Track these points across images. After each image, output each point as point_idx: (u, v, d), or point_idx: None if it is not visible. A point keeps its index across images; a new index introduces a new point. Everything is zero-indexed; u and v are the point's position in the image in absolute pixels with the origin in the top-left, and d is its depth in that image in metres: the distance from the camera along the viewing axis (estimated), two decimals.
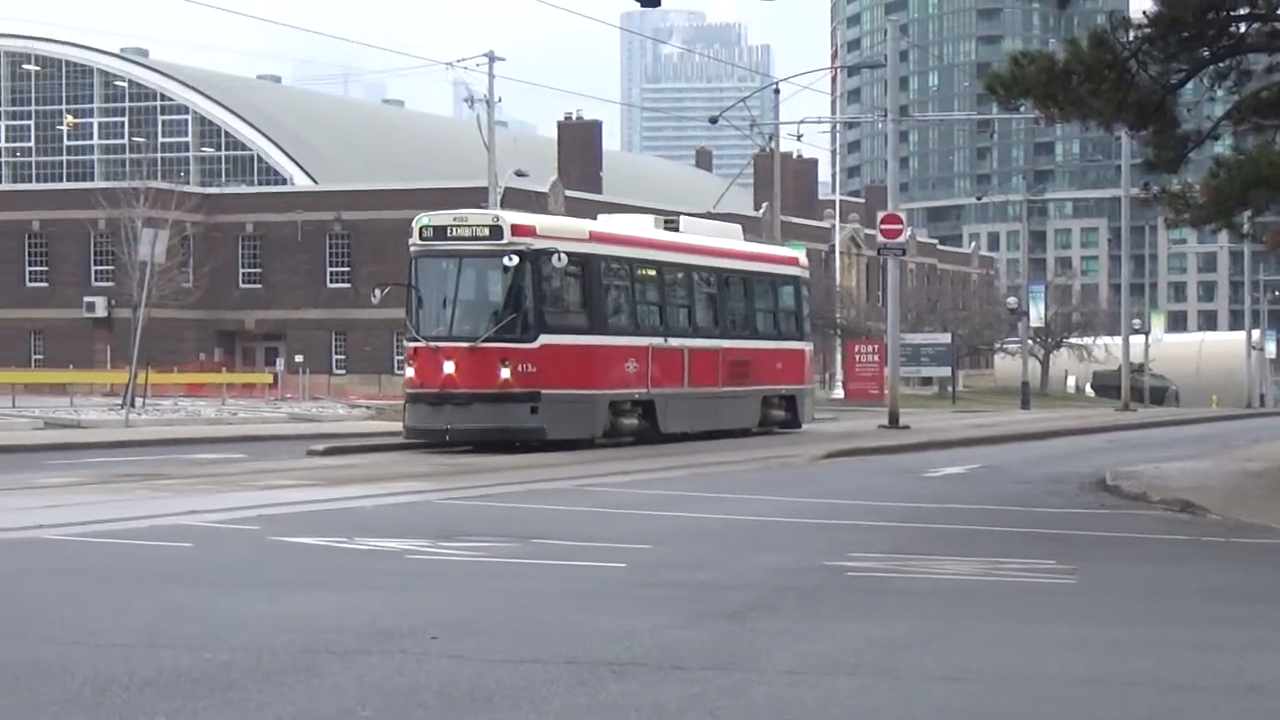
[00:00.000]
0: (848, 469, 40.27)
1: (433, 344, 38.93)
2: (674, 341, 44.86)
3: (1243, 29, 34.69)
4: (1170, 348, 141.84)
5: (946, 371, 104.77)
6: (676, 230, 49.31)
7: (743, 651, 13.86)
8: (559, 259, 38.74)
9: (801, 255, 58.95)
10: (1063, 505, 30.05)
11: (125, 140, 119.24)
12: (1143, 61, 34.62)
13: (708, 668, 13.03)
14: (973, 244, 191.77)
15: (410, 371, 39.90)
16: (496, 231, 39.32)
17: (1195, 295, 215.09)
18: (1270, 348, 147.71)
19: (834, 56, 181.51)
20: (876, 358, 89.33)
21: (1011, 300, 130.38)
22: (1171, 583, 19.59)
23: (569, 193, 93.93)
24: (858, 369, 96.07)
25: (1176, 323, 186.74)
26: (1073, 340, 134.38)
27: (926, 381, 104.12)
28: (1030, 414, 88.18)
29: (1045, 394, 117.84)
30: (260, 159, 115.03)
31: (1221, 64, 36.10)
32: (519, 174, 78.95)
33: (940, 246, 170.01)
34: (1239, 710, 11.84)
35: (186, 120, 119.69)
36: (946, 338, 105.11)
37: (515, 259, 38.21)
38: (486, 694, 11.90)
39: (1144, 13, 35.87)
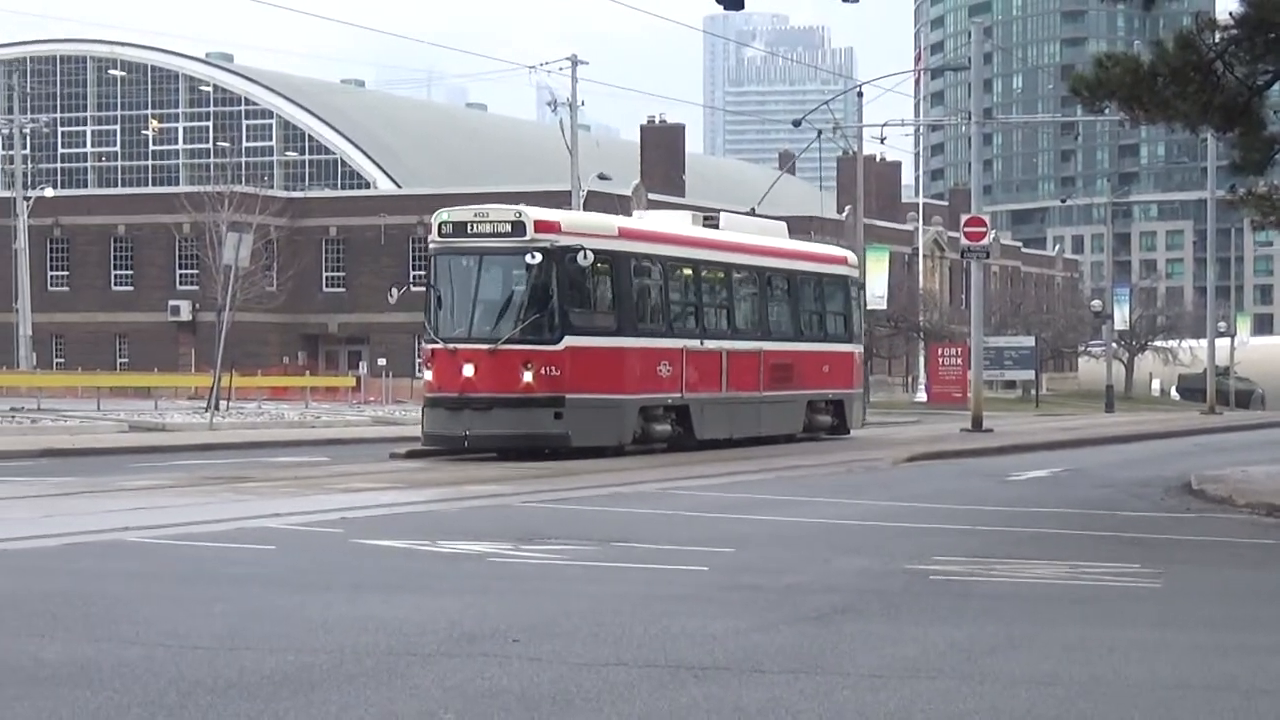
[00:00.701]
0: (931, 472, 40.12)
1: (451, 346, 37.72)
2: (711, 343, 43.34)
3: None
4: (1256, 351, 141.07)
5: (1030, 375, 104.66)
6: (716, 227, 48.07)
7: (825, 655, 13.82)
8: (585, 256, 37.47)
9: (851, 255, 57.01)
10: (1147, 509, 29.90)
11: (210, 145, 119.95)
12: (1229, 63, 34.44)
13: (789, 671, 13.01)
14: (1057, 247, 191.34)
15: (428, 375, 38.83)
16: (519, 228, 38.13)
17: None
18: None
19: (918, 59, 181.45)
20: (960, 361, 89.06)
21: (1096, 303, 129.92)
22: (1258, 587, 19.49)
23: (652, 196, 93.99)
24: (941, 372, 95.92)
25: (1263, 325, 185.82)
26: (1157, 343, 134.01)
27: (1010, 385, 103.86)
28: (1114, 417, 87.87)
29: (1129, 397, 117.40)
30: (343, 163, 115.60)
31: None
32: (602, 177, 79.06)
33: (1024, 249, 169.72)
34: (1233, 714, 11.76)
35: (271, 125, 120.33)
36: (1030, 341, 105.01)
37: (539, 256, 36.95)
38: (567, 697, 11.89)
39: (1230, 14, 35.68)
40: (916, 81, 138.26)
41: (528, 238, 37.20)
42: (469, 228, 38.64)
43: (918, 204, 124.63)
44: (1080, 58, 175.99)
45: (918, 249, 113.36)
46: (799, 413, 47.94)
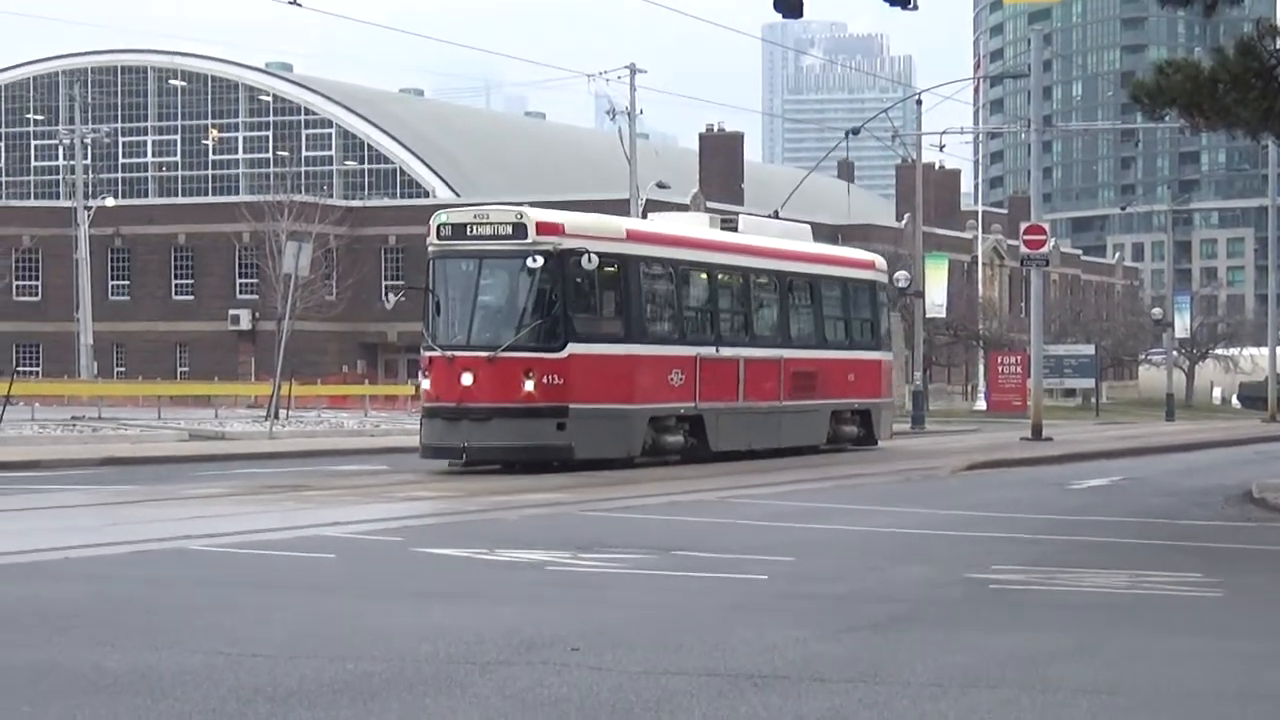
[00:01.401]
0: (990, 481, 40.06)
1: (449, 354, 36.53)
2: (727, 351, 41.87)
3: None
4: None
5: (1090, 383, 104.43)
6: (735, 229, 47.14)
7: (884, 664, 13.78)
8: (589, 260, 36.04)
9: (879, 259, 54.92)
10: (1208, 518, 29.83)
11: (270, 154, 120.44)
12: None
13: (849, 680, 13.00)
14: (1117, 254, 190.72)
15: (425, 384, 37.74)
16: (520, 230, 36.73)
17: None
18: None
19: (976, 66, 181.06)
20: (1019, 369, 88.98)
21: (1156, 311, 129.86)
22: None
23: (710, 204, 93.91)
24: (1000, 380, 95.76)
25: None
26: (1218, 351, 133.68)
27: (1070, 393, 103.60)
28: (1175, 426, 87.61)
29: (1190, 405, 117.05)
30: (403, 172, 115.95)
31: None
32: (660, 185, 79.02)
33: (1084, 257, 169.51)
34: None
35: (330, 134, 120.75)
36: (1090, 349, 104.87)
37: (540, 259, 35.43)
38: (627, 706, 11.89)
39: None
40: (976, 89, 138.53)
41: (529, 240, 36.08)
42: (468, 229, 37.41)
43: (977, 212, 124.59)
44: (1140, 64, 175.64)
45: (977, 257, 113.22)
46: (823, 423, 46.82)
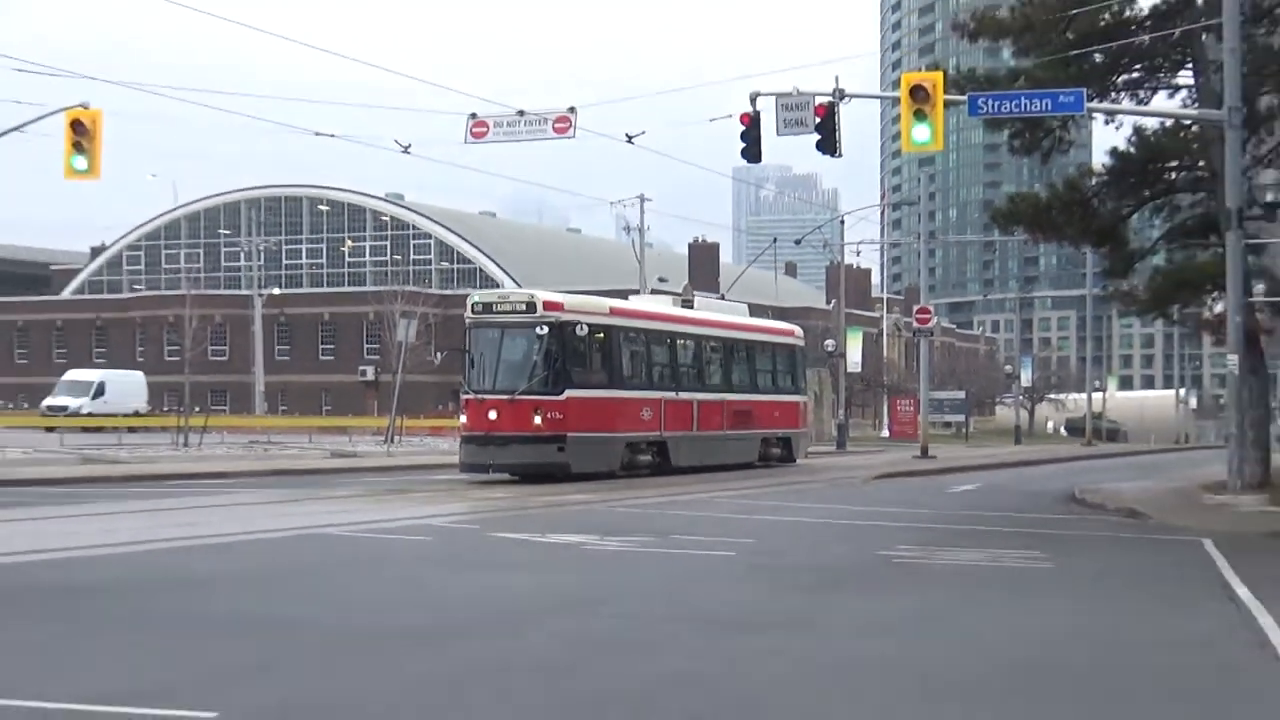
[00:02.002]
0: (893, 486, 40.01)
1: (480, 396, 35.62)
2: (684, 395, 41.06)
3: (1174, 176, 34.43)
4: (1120, 401, 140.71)
5: (961, 417, 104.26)
6: (692, 307, 45.97)
7: (815, 614, 13.96)
8: (581, 329, 35.73)
9: (798, 329, 53.46)
10: (1044, 512, 29.75)
11: (387, 257, 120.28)
12: (1102, 199, 34.46)
13: (788, 625, 13.18)
14: (980, 329, 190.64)
15: (464, 418, 36.66)
16: (531, 307, 36.20)
17: (1139, 364, 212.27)
18: (1192, 401, 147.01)
19: (882, 196, 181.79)
20: (912, 408, 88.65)
21: (1008, 368, 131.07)
22: (1121, 568, 19.46)
23: (696, 294, 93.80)
24: (899, 416, 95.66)
25: (1125, 384, 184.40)
26: (1051, 396, 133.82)
27: (947, 425, 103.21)
28: (1020, 448, 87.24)
29: (1031, 434, 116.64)
30: (481, 270, 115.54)
31: (1158, 201, 35.86)
32: (661, 280, 78.99)
33: (957, 330, 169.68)
34: (1163, 651, 11.78)
35: (430, 243, 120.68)
36: (961, 394, 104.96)
37: (546, 328, 35.25)
38: (638, 642, 12.02)
39: (1102, 164, 35.69)
40: (881, 212, 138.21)
41: (538, 314, 35.63)
42: (494, 306, 37.29)
43: (883, 298, 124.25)
44: (997, 195, 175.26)
45: (882, 330, 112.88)
46: (756, 446, 45.82)
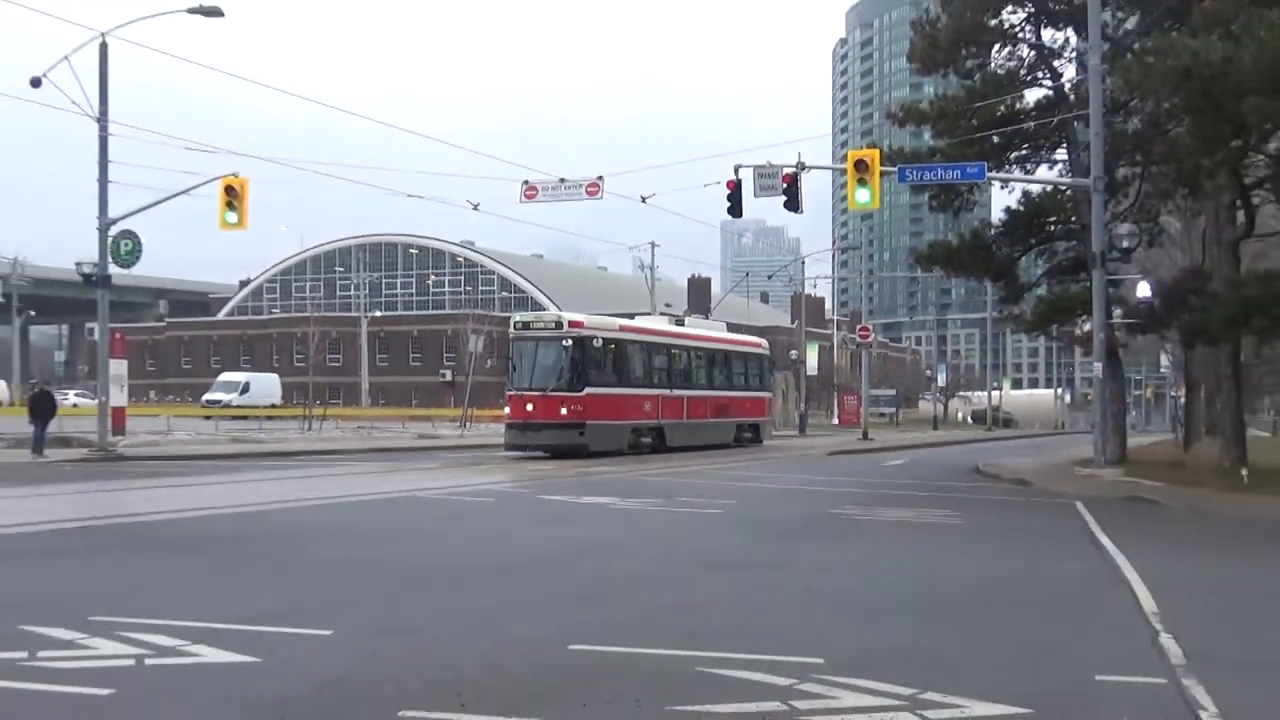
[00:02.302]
0: (842, 460, 39.94)
1: (520, 392, 35.26)
2: (677, 391, 40.58)
3: (1053, 228, 34.37)
4: (1012, 397, 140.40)
5: (893, 409, 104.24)
6: (682, 325, 45.22)
7: (786, 557, 13.92)
8: (597, 341, 35.72)
9: (764, 341, 52.60)
10: (955, 480, 29.71)
11: (460, 288, 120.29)
12: (999, 245, 34.43)
13: (766, 565, 13.16)
14: (907, 342, 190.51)
15: (508, 410, 36.08)
16: (559, 324, 36.17)
17: (1027, 369, 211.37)
18: (1066, 397, 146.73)
19: (833, 243, 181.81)
20: (856, 402, 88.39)
21: (928, 372, 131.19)
22: (1014, 523, 19.48)
23: (688, 316, 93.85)
24: (846, 407, 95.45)
25: (1017, 384, 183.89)
26: (960, 393, 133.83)
27: (882, 415, 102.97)
28: (938, 433, 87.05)
29: (946, 422, 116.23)
30: (531, 298, 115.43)
31: (1041, 246, 35.80)
32: (667, 305, 78.68)
33: (890, 343, 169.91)
34: (1046, 583, 11.85)
35: (494, 277, 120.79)
36: (893, 391, 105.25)
37: (570, 341, 35.09)
38: (647, 579, 12.02)
39: (999, 219, 35.69)
40: (833, 255, 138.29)
41: (564, 330, 35.52)
42: (531, 324, 36.89)
43: (834, 319, 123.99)
44: (920, 242, 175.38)
45: (833, 343, 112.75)
46: (731, 431, 45.10)
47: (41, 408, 33.60)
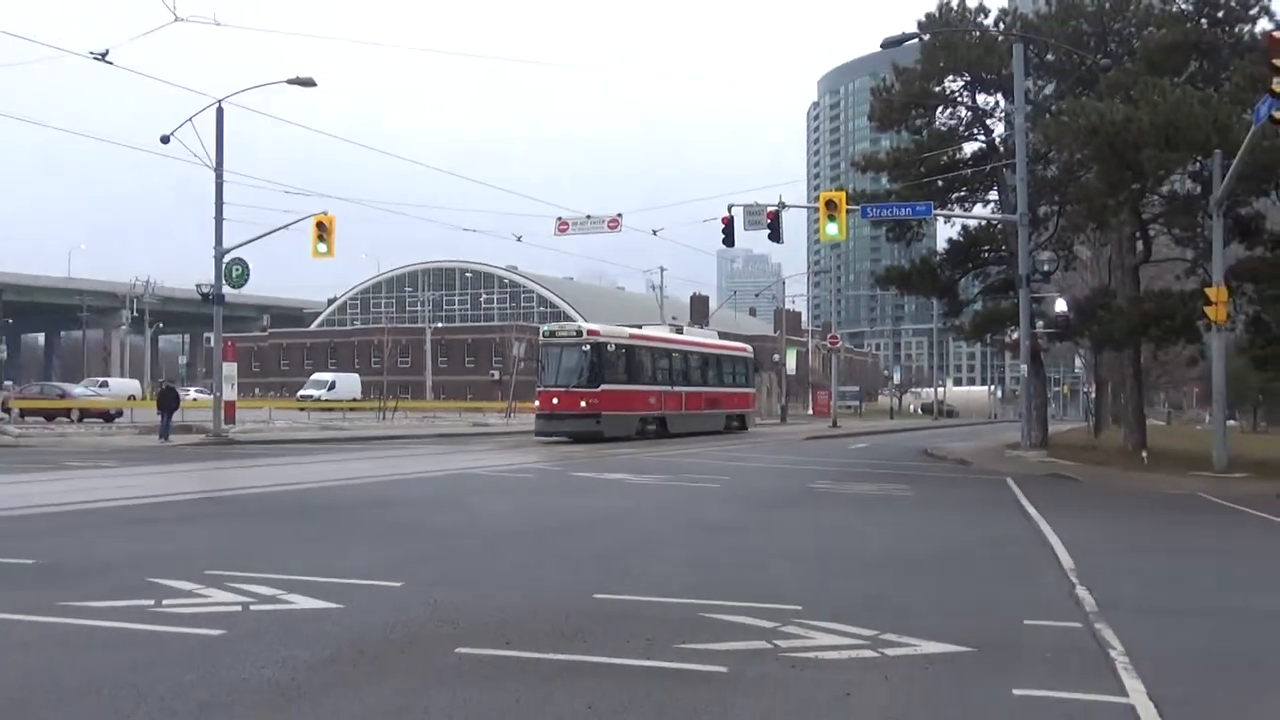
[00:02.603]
0: (816, 444, 39.65)
1: (549, 389, 34.48)
2: (677, 389, 39.73)
3: (987, 255, 34.22)
4: (954, 393, 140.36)
5: (857, 402, 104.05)
6: (681, 333, 44.47)
7: (773, 522, 13.86)
8: (610, 346, 35.00)
9: (749, 347, 51.04)
10: (908, 460, 29.55)
11: (507, 305, 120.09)
12: (943, 269, 34.22)
13: (757, 529, 13.08)
14: (868, 347, 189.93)
15: (538, 403, 35.29)
16: (579, 333, 35.42)
17: (965, 370, 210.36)
18: (998, 393, 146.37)
19: (808, 267, 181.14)
20: (826, 397, 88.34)
21: (885, 372, 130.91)
22: (958, 494, 19.29)
23: (686, 326, 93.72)
24: (818, 401, 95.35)
25: (958, 382, 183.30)
26: (912, 389, 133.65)
27: (848, 407, 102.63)
28: (893, 422, 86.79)
29: (900, 413, 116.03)
30: (565, 313, 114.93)
31: (976, 270, 35.63)
32: (673, 319, 78.31)
33: (854, 349, 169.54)
34: (985, 543, 11.74)
35: (534, 295, 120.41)
36: (856, 388, 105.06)
37: (588, 346, 34.46)
38: (658, 541, 11.94)
39: (943, 248, 35.48)
40: (808, 276, 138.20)
41: (583, 338, 34.96)
42: (556, 334, 36.09)
43: (808, 329, 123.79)
44: (879, 266, 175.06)
45: (808, 348, 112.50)
46: (722, 421, 44.21)
47: (168, 401, 33.68)
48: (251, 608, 7.54)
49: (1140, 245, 29.91)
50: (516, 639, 6.79)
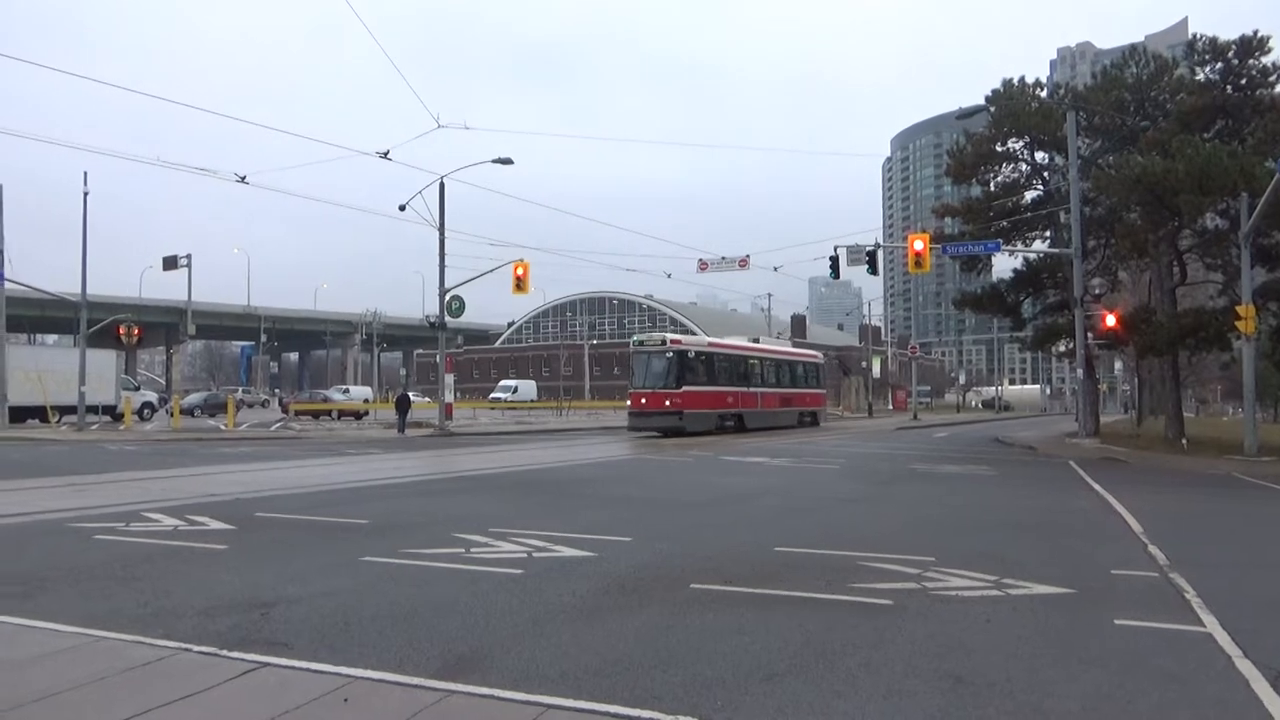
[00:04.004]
0: (905, 435, 38.97)
1: (639, 390, 31.86)
2: (754, 389, 36.53)
3: (1045, 281, 33.48)
4: (1012, 391, 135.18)
5: (928, 400, 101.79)
6: (758, 342, 40.46)
7: (888, 495, 13.90)
8: (691, 354, 32.48)
9: (820, 354, 47.27)
10: (984, 447, 28.98)
11: (647, 325, 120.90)
12: (1008, 293, 33.61)
13: (875, 500, 13.15)
14: (938, 354, 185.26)
15: (629, 402, 32.55)
16: (664, 342, 32.58)
17: (1019, 370, 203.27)
18: (1048, 391, 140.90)
19: (885, 290, 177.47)
20: (905, 395, 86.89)
21: (953, 374, 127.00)
22: (1032, 474, 19.00)
23: (765, 337, 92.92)
24: (897, 399, 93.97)
25: (1013, 381, 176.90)
26: (976, 388, 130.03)
27: (922, 404, 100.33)
28: (962, 415, 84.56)
29: (965, 408, 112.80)
30: (690, 329, 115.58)
31: (1036, 294, 34.87)
32: (778, 334, 78.73)
33: (927, 356, 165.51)
34: (1063, 513, 11.65)
35: (667, 317, 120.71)
36: (928, 387, 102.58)
37: (673, 353, 31.89)
38: (807, 508, 12.12)
39: (1009, 276, 34.80)
40: (885, 297, 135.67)
41: (667, 347, 32.27)
42: (644, 343, 32.92)
43: (887, 340, 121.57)
44: (944, 289, 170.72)
45: (888, 356, 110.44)
46: (794, 417, 40.38)
47: (402, 404, 35.36)
48: (534, 555, 8.25)
49: (1177, 271, 28.98)
50: (731, 578, 7.36)
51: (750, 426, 35.75)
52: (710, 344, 35.19)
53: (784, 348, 43.17)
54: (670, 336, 33.60)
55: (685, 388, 31.85)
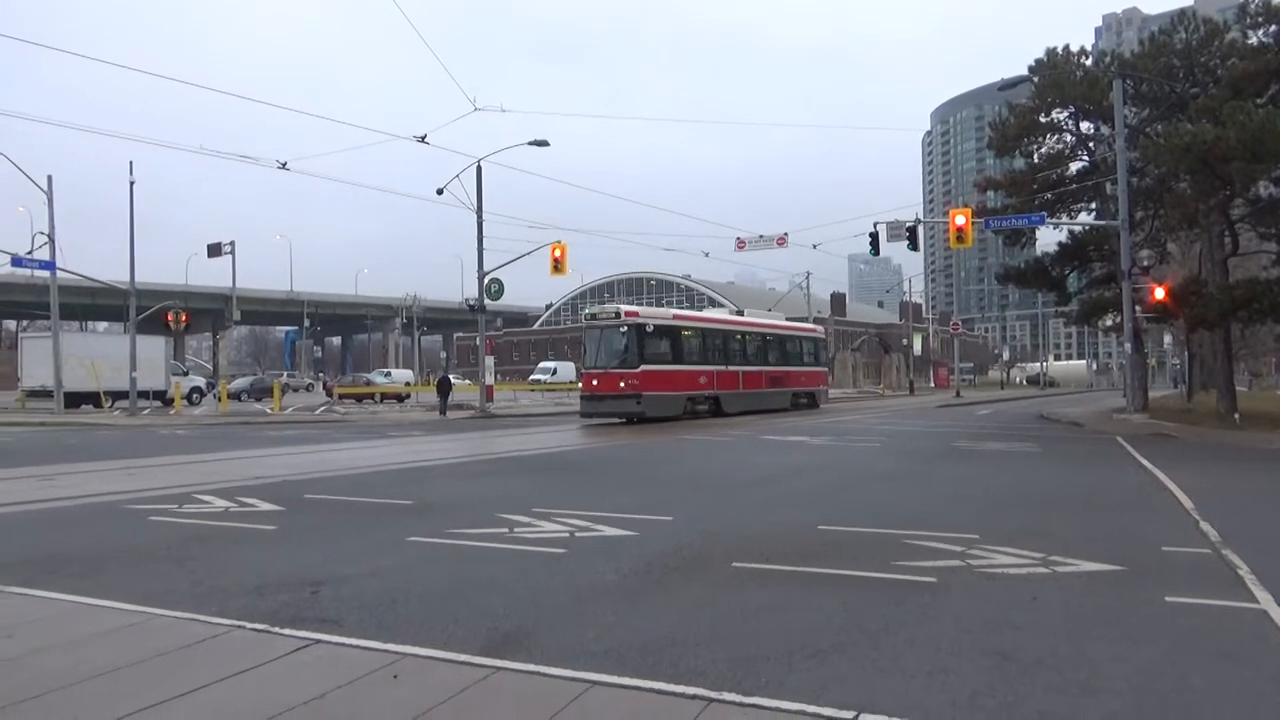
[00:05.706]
0: (947, 411, 38.49)
1: (591, 371, 28.20)
2: (732, 367, 31.86)
3: (1091, 253, 32.84)
4: (1056, 366, 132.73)
5: (972, 377, 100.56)
6: (742, 315, 36.66)
7: (930, 472, 13.76)
8: (650, 327, 28.14)
9: (820, 328, 43.09)
10: (1028, 424, 28.59)
11: (685, 305, 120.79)
12: (1053, 267, 33.02)
13: (920, 477, 13.06)
14: (980, 330, 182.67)
15: (581, 384, 29.31)
16: (618, 315, 28.18)
17: (1064, 348, 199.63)
18: (1094, 366, 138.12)
19: (925, 266, 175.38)
20: (946, 372, 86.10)
21: (996, 351, 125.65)
22: (1074, 449, 18.70)
23: (751, 310, 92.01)
24: (939, 376, 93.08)
25: (1058, 357, 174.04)
26: (1020, 364, 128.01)
27: (965, 381, 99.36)
28: (1006, 392, 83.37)
29: (1009, 385, 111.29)
30: (716, 301, 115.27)
31: (1082, 268, 34.23)
32: (818, 314, 78.09)
33: (969, 332, 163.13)
34: (1112, 488, 11.49)
35: (704, 296, 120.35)
36: (970, 364, 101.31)
37: (628, 327, 27.80)
38: (849, 486, 12.03)
39: (1054, 249, 34.16)
40: (926, 274, 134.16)
41: (623, 320, 28.14)
42: (597, 316, 28.90)
43: (928, 317, 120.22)
44: (986, 264, 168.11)
45: (929, 333, 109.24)
46: (787, 399, 35.74)
47: (444, 387, 35.67)
48: (576, 535, 8.31)
49: (1229, 241, 28.27)
50: (772, 556, 7.37)
51: (729, 411, 31.60)
52: (675, 316, 31.54)
53: (774, 321, 38.63)
54: (625, 309, 29.19)
55: (645, 366, 28.03)
